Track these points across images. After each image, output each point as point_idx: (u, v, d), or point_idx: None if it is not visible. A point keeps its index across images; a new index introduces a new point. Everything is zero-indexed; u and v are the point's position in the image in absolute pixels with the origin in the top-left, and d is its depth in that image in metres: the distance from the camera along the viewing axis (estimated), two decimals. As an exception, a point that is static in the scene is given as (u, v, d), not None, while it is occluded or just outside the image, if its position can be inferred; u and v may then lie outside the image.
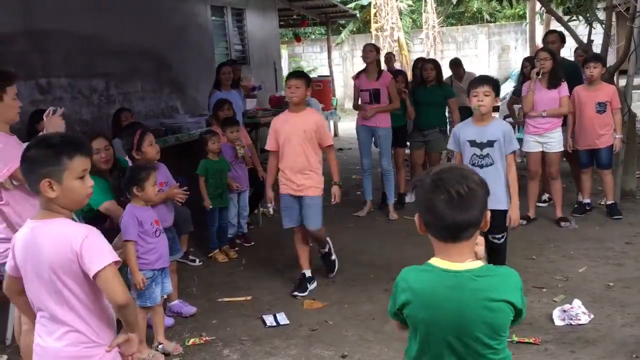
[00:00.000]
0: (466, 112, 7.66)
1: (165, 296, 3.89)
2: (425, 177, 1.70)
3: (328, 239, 4.81)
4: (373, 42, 17.69)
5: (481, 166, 3.90)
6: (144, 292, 3.56)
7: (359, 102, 6.52)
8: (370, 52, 6.38)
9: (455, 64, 8.54)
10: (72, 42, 6.39)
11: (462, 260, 1.68)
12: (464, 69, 8.58)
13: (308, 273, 4.65)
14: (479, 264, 1.71)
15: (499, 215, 3.84)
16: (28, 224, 2.08)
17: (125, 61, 7.15)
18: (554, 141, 5.68)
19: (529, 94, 5.65)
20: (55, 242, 1.99)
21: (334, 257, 4.87)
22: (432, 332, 1.71)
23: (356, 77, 6.63)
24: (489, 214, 1.71)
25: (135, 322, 2.16)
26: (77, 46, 6.46)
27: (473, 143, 3.97)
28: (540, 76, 5.59)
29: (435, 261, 1.72)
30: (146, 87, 7.44)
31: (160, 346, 3.71)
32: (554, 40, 6.26)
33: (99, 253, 2.00)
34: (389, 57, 10.06)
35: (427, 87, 6.60)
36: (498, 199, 3.82)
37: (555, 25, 12.33)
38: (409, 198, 6.82)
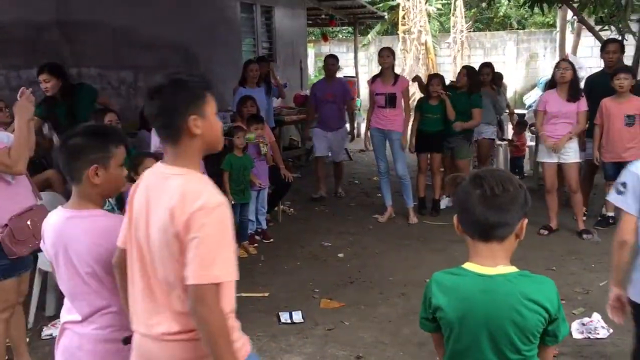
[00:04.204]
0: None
1: None
2: (466, 176, 1.76)
3: None
4: (400, 44, 17.65)
5: None
6: None
7: (374, 106, 6.40)
8: (388, 57, 6.28)
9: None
10: (103, 33, 6.50)
11: (495, 265, 1.70)
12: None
13: None
14: (513, 268, 1.72)
15: None
16: (61, 212, 2.13)
17: (154, 54, 7.23)
18: (571, 151, 5.63)
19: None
20: (93, 235, 2.06)
21: None
22: (465, 335, 1.73)
23: (372, 81, 6.50)
24: (525, 221, 1.72)
25: None
26: (108, 38, 6.57)
27: None
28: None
29: (468, 265, 1.74)
30: (173, 80, 7.51)
31: None
32: (615, 49, 5.98)
33: None
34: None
35: (456, 92, 6.54)
36: None
37: (586, 35, 12.18)
38: (444, 204, 6.76)
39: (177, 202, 1.70)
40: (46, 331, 3.88)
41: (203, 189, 1.75)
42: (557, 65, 5.74)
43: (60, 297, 2.29)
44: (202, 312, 1.68)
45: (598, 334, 3.73)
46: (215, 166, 5.30)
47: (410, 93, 7.28)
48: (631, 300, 2.52)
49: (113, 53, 6.71)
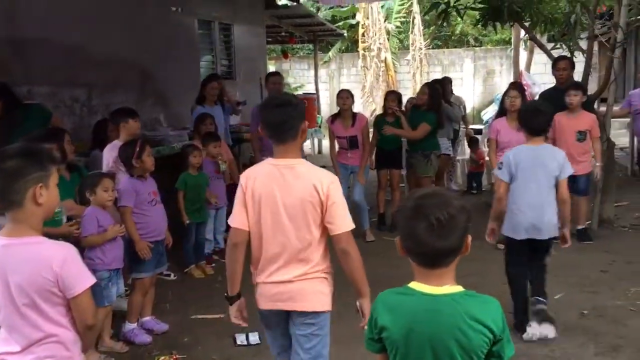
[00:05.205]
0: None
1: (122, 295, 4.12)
2: (406, 202, 1.72)
3: None
4: (360, 61, 17.82)
5: None
6: (102, 292, 3.63)
7: (337, 148, 6.49)
8: (347, 98, 6.34)
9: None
10: (56, 50, 6.34)
11: (441, 284, 1.69)
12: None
13: None
14: (458, 288, 1.71)
15: None
16: None
17: (109, 71, 7.10)
18: None
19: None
20: (34, 265, 1.97)
21: None
22: (410, 356, 1.71)
23: (331, 122, 6.52)
24: (469, 238, 1.71)
25: (93, 342, 2.15)
26: (61, 55, 6.41)
27: None
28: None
29: (414, 285, 1.72)
30: (129, 98, 7.38)
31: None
32: (565, 67, 6.16)
33: (79, 276, 2.02)
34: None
35: (419, 111, 6.61)
36: None
37: (538, 52, 12.51)
38: None
39: (317, 180, 2.52)
40: (-10, 360, 3.72)
41: (325, 170, 2.66)
42: (507, 94, 5.85)
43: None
44: (350, 249, 2.58)
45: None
46: (169, 185, 5.22)
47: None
48: (504, 235, 4.05)
49: (66, 71, 6.55)
